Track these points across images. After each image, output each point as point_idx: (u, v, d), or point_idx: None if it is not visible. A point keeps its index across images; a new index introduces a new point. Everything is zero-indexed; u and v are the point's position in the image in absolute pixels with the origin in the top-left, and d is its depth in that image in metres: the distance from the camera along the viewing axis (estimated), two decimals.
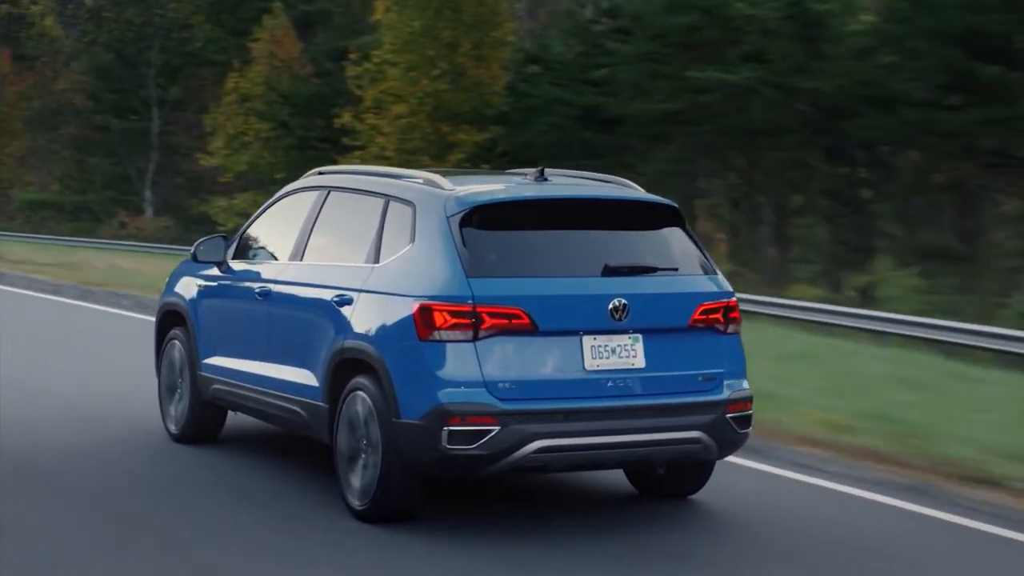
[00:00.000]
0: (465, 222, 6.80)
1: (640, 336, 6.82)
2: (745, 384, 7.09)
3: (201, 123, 51.28)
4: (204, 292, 8.86)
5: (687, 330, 6.95)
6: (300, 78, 48.76)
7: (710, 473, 7.54)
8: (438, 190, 7.06)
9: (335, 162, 36.62)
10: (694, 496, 7.66)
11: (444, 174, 7.26)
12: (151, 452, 8.78)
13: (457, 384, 6.56)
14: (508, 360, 6.61)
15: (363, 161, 38.21)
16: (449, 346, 6.59)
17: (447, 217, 6.84)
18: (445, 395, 6.55)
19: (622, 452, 6.79)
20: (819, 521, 7.39)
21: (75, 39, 60.26)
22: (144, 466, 8.36)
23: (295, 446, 8.89)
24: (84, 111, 57.84)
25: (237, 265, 8.60)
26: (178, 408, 9.11)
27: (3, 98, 59.27)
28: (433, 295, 6.65)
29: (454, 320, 6.58)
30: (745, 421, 7.04)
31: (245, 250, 8.64)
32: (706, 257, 7.19)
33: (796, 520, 7.39)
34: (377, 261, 7.18)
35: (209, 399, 8.79)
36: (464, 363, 6.57)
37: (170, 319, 9.35)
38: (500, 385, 6.57)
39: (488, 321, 6.58)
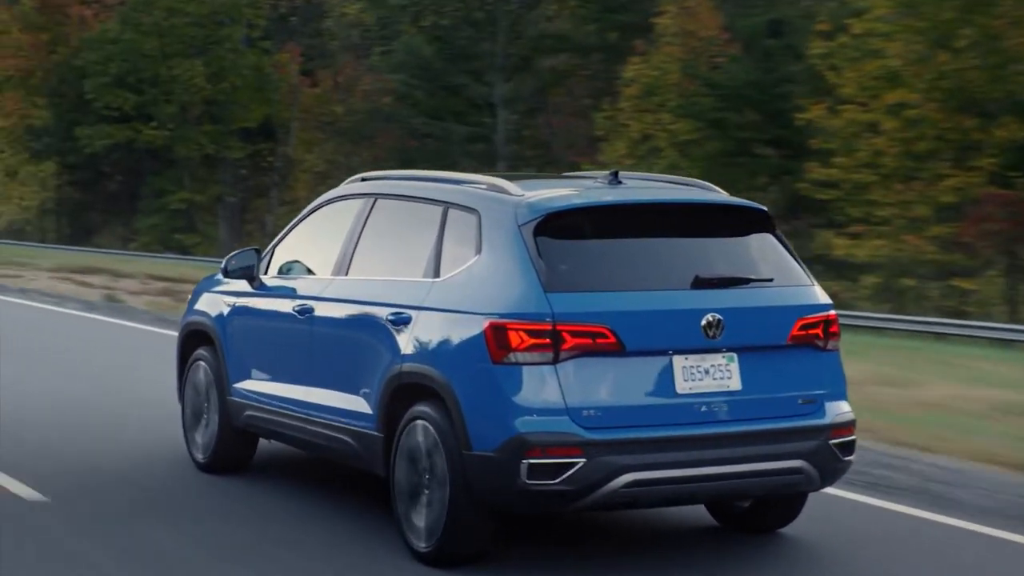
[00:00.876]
0: (539, 231, 6.13)
1: (735, 355, 6.15)
2: (847, 406, 6.42)
3: (550, 125, 40.31)
4: (234, 310, 8.17)
5: (785, 347, 6.28)
6: (733, 59, 35.68)
7: (803, 504, 6.87)
8: (506, 196, 6.39)
9: (806, 172, 29.31)
10: (784, 530, 6.99)
11: (509, 178, 6.60)
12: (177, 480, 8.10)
13: (537, 411, 5.88)
14: (593, 384, 5.93)
15: (844, 171, 28.96)
16: (526, 369, 5.91)
17: (519, 226, 6.17)
18: (523, 424, 5.88)
19: (718, 485, 6.12)
20: None
21: (405, 23, 45.53)
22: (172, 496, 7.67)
23: (337, 475, 8.19)
24: (401, 115, 44.60)
25: (272, 281, 7.91)
26: (205, 435, 8.42)
27: (296, 102, 48.16)
28: (507, 312, 5.98)
29: (532, 340, 5.90)
30: (849, 448, 6.37)
31: (280, 265, 7.96)
32: (801, 266, 6.53)
33: None
34: (437, 275, 6.50)
35: (241, 426, 8.11)
36: (544, 388, 5.90)
37: (194, 339, 8.67)
38: (584, 412, 5.89)
39: (570, 340, 5.90)
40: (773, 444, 6.12)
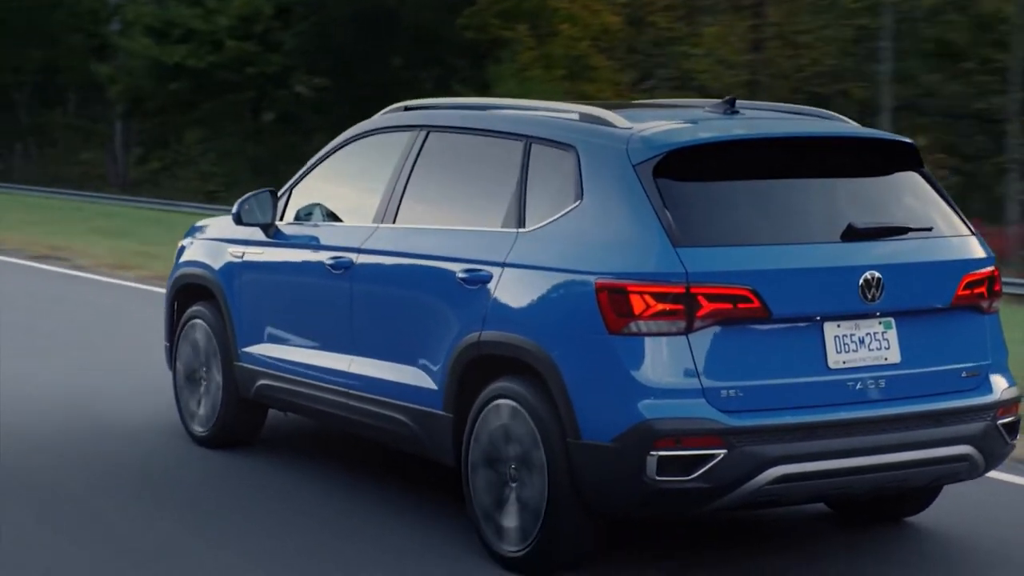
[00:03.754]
0: (660, 171, 5.02)
1: (892, 320, 5.12)
2: (1011, 378, 5.44)
3: None
4: (243, 261, 6.98)
5: (947, 310, 5.27)
6: None
7: (940, 490, 5.88)
8: (610, 128, 5.26)
9: None
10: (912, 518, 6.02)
11: (605, 107, 5.47)
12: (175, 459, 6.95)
13: (667, 393, 4.82)
14: (733, 358, 4.88)
15: None
16: (652, 340, 4.84)
17: (633, 165, 5.05)
18: (650, 408, 4.81)
19: (876, 477, 5.09)
20: None
21: None
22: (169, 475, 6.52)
23: (373, 453, 7.07)
24: None
25: (291, 228, 6.73)
26: (206, 404, 7.26)
27: None
28: (627, 272, 4.88)
29: (660, 305, 4.82)
30: (1015, 428, 5.39)
31: (298, 210, 6.77)
32: (957, 212, 5.50)
33: None
34: (522, 225, 5.38)
35: (251, 396, 6.95)
36: (675, 363, 4.83)
37: (189, 294, 7.48)
38: (723, 393, 4.84)
39: (706, 306, 4.83)
40: (937, 427, 5.12)
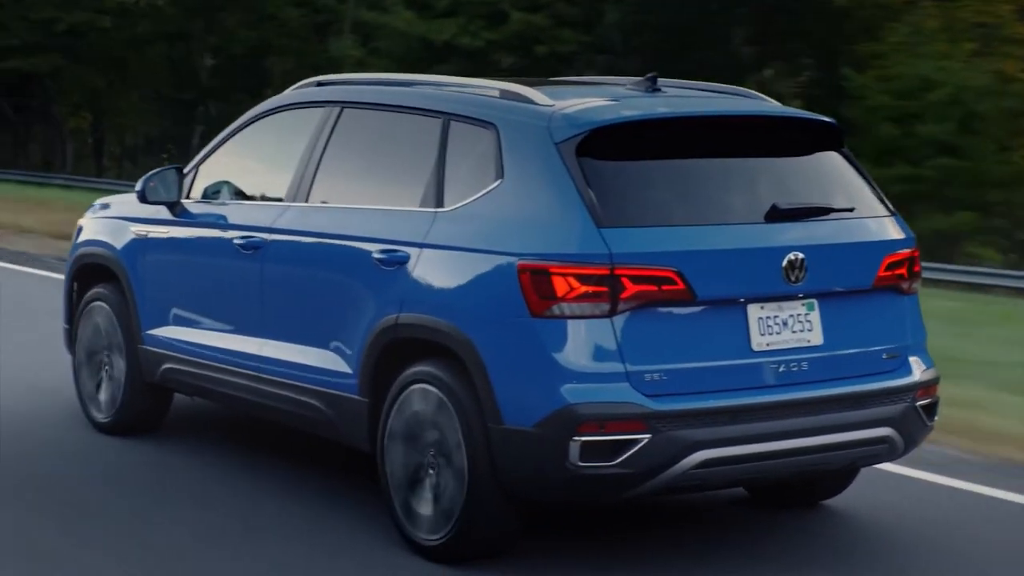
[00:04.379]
0: (583, 150, 4.92)
1: (815, 302, 5.08)
2: (929, 360, 5.43)
3: None
4: (147, 241, 6.76)
5: (868, 292, 5.24)
6: None
7: (856, 473, 5.87)
8: (531, 106, 5.15)
9: None
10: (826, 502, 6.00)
11: (526, 83, 5.35)
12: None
13: (590, 377, 4.72)
14: (656, 341, 4.79)
15: None
16: (575, 323, 4.74)
17: (555, 144, 4.94)
18: (573, 392, 4.71)
19: (797, 460, 5.05)
20: None
21: None
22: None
23: (286, 439, 6.88)
24: None
25: (198, 207, 6.52)
26: (107, 390, 7.02)
27: None
28: (550, 253, 4.77)
29: (584, 287, 4.72)
30: (934, 409, 5.39)
31: (205, 187, 6.56)
32: (876, 192, 5.48)
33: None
34: (441, 204, 5.25)
35: (156, 380, 6.74)
36: (598, 347, 4.74)
37: (90, 274, 7.23)
38: (647, 376, 4.76)
39: (630, 288, 4.74)
40: (858, 409, 5.09)
